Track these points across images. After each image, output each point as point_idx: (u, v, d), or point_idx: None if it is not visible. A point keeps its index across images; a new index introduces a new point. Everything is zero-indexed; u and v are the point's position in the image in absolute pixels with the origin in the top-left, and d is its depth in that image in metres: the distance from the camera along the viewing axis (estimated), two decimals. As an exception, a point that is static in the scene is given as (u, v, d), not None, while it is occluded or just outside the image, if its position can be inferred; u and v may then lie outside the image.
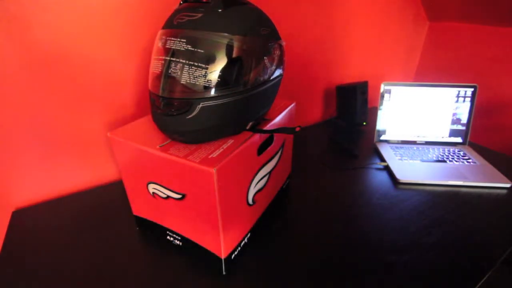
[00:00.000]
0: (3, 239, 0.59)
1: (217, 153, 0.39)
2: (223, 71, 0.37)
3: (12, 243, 0.54)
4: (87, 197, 0.66)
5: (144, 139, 0.44)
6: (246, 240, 0.51)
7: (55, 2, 0.53)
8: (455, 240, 0.53)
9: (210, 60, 0.37)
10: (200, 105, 0.38)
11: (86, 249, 0.52)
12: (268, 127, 0.49)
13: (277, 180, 0.59)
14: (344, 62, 1.05)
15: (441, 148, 0.83)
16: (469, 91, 0.81)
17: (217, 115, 0.39)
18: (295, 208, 0.62)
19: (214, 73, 0.37)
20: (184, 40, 0.37)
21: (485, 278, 0.46)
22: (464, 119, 0.83)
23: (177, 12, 0.40)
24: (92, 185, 0.72)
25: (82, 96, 0.63)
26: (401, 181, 0.70)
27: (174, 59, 0.38)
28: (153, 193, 0.47)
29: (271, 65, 0.44)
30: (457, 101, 0.82)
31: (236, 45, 0.38)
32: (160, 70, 0.39)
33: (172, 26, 0.39)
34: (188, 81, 0.38)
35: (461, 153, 0.80)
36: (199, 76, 0.37)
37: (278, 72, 0.47)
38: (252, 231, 0.53)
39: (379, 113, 0.86)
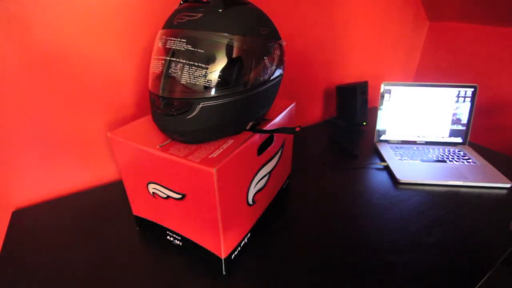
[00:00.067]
0: (3, 239, 0.59)
1: (217, 153, 0.39)
2: (223, 71, 0.37)
3: (12, 243, 0.54)
4: (87, 197, 0.66)
5: (144, 139, 0.44)
6: (246, 240, 0.51)
7: (55, 2, 0.53)
8: (455, 240, 0.53)
9: (210, 60, 0.37)
10: (200, 105, 0.38)
11: (86, 249, 0.52)
12: (268, 127, 0.49)
13: (277, 180, 0.59)
14: (344, 62, 1.05)
15: (441, 148, 0.83)
16: (469, 91, 0.81)
17: (217, 115, 0.39)
18: (295, 208, 0.62)
19: (214, 73, 0.37)
20: (184, 40, 0.37)
21: (485, 278, 0.46)
22: (464, 119, 0.83)
23: (177, 12, 0.40)
24: (92, 185, 0.72)
25: (82, 96, 0.63)
26: (401, 181, 0.70)
27: (174, 59, 0.38)
28: (153, 193, 0.47)
29: (271, 65, 0.44)
30: (457, 101, 0.82)
31: (236, 45, 0.38)
32: (160, 70, 0.39)
33: (172, 26, 0.39)
34: (188, 81, 0.38)
35: (461, 153, 0.80)
36: (199, 76, 0.37)
37: (278, 72, 0.47)
38: (252, 231, 0.53)
39: (379, 113, 0.86)
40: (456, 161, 0.77)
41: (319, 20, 0.90)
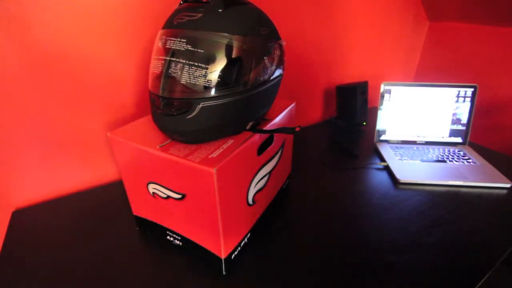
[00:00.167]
0: (3, 239, 0.59)
1: (217, 153, 0.39)
2: (223, 71, 0.37)
3: (12, 243, 0.54)
4: (87, 197, 0.66)
5: (144, 139, 0.44)
6: (246, 240, 0.51)
7: (55, 2, 0.53)
8: (455, 240, 0.53)
9: (210, 60, 0.37)
10: (200, 105, 0.38)
11: (86, 249, 0.52)
12: (268, 127, 0.49)
13: (277, 180, 0.59)
14: (344, 62, 1.05)
15: (441, 148, 0.83)
16: (469, 91, 0.81)
17: (217, 115, 0.39)
18: (295, 208, 0.62)
19: (214, 73, 0.37)
20: (184, 40, 0.37)
21: (485, 278, 0.46)
22: (464, 119, 0.83)
23: (177, 12, 0.40)
24: (92, 185, 0.72)
25: (82, 96, 0.63)
26: (401, 181, 0.70)
27: (174, 59, 0.38)
28: (153, 193, 0.47)
29: (271, 65, 0.44)
30: (457, 101, 0.82)
31: (236, 45, 0.38)
32: (160, 70, 0.39)
33: (172, 26, 0.39)
34: (188, 81, 0.38)
35: (461, 153, 0.80)
36: (199, 76, 0.37)
37: (278, 72, 0.47)
38: (252, 231, 0.53)
39: (379, 113, 0.86)
40: (456, 161, 0.77)
41: (319, 20, 0.90)
